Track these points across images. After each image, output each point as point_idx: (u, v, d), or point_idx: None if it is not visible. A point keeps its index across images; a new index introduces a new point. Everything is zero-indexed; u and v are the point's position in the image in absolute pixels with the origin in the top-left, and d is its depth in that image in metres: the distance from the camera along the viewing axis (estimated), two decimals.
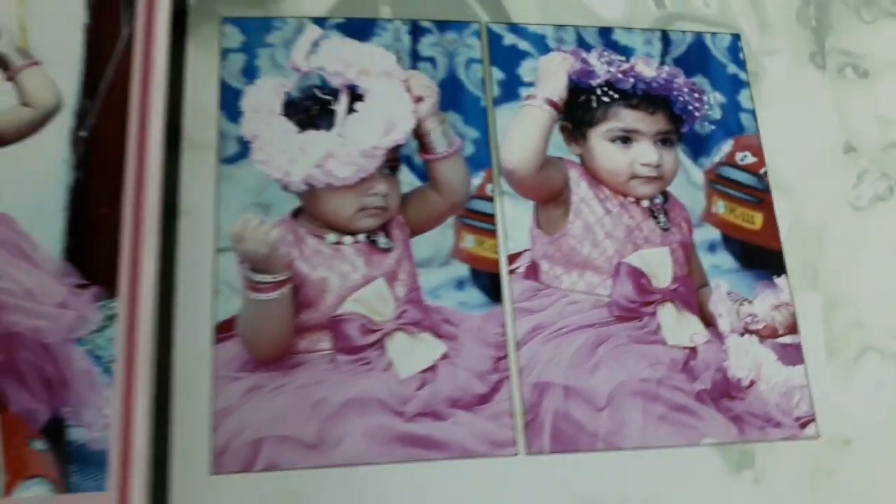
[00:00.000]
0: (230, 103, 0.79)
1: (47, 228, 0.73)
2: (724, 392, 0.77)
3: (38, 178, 0.75)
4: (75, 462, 0.67)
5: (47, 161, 0.75)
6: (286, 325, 0.73)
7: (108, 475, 0.66)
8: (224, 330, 0.73)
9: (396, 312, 0.75)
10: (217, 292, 0.74)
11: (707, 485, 0.75)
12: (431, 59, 0.84)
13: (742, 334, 0.79)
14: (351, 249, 0.76)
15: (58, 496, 0.67)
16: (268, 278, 0.72)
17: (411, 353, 0.74)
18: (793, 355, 0.80)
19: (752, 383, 0.78)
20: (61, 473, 0.67)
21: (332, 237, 0.76)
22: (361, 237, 0.77)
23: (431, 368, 0.74)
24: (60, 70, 0.77)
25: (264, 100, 0.77)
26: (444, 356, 0.74)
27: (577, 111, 0.82)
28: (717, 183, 0.85)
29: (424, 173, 0.79)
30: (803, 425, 0.78)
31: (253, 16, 0.83)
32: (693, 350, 0.78)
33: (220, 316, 0.74)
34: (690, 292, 0.81)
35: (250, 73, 0.81)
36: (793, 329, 0.81)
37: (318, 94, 0.77)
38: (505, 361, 0.75)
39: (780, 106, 0.89)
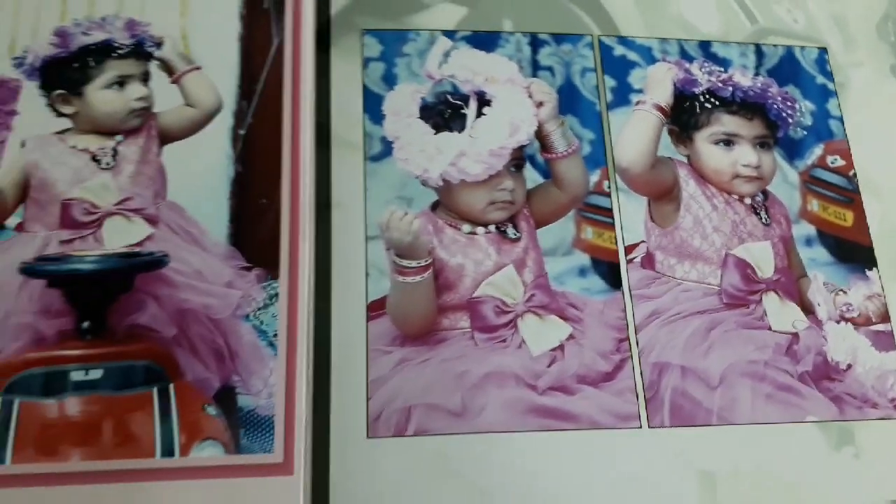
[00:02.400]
0: (373, 107, 0.79)
1: (213, 216, 0.73)
2: (825, 374, 0.76)
3: (204, 170, 0.75)
4: (245, 426, 0.67)
5: (211, 155, 0.75)
6: (430, 305, 0.73)
7: (274, 438, 0.66)
8: (375, 309, 0.73)
9: (526, 296, 0.74)
10: (368, 275, 0.74)
11: (811, 459, 0.73)
12: (550, 68, 0.83)
13: (839, 322, 0.78)
14: (483, 239, 0.76)
15: (229, 456, 0.66)
16: (412, 263, 0.72)
17: (541, 333, 0.73)
18: (886, 342, 0.78)
19: (849, 367, 0.76)
20: (232, 436, 0.67)
21: (466, 228, 0.76)
22: (492, 228, 0.76)
23: (560, 347, 0.73)
24: (219, 75, 0.78)
25: (403, 104, 0.77)
26: (571, 337, 0.74)
27: (683, 116, 0.82)
28: (811, 183, 0.84)
29: (547, 171, 0.79)
30: None
31: (390, 28, 0.83)
32: (795, 335, 0.77)
33: (371, 296, 0.73)
34: (791, 282, 0.79)
35: (389, 79, 0.81)
36: (885, 318, 0.79)
37: (450, 99, 0.77)
38: (626, 343, 0.75)
39: (865, 114, 0.88)
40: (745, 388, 0.74)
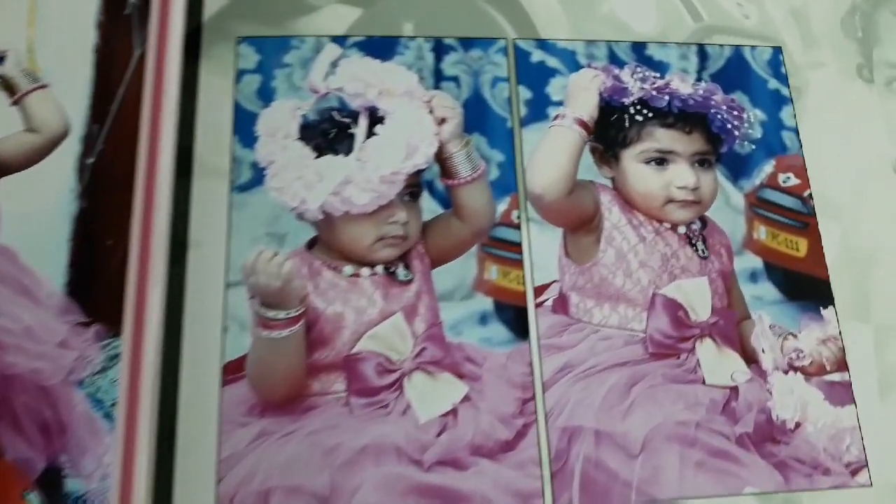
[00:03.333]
0: (244, 127, 0.69)
1: (50, 262, 0.62)
2: (768, 435, 0.66)
3: (42, 208, 0.64)
4: None
5: (52, 190, 0.65)
6: (298, 366, 0.63)
7: None
8: (232, 371, 0.64)
9: (415, 350, 0.65)
10: (226, 330, 0.64)
11: None
12: (455, 79, 0.73)
13: (787, 372, 0.68)
14: (368, 282, 0.66)
15: None
16: (280, 314, 0.62)
17: (431, 394, 0.64)
18: (842, 394, 0.68)
19: (797, 425, 0.66)
20: None
21: (348, 269, 0.66)
22: (379, 269, 0.66)
23: (452, 412, 0.64)
24: (69, 93, 0.67)
25: (280, 123, 0.67)
26: (466, 398, 0.64)
27: (609, 131, 0.71)
28: (759, 207, 0.74)
29: (447, 199, 0.69)
30: (854, 472, 0.66)
31: (269, 35, 0.72)
32: (734, 390, 0.67)
33: (228, 356, 0.64)
34: (731, 326, 0.69)
35: (266, 95, 0.71)
36: (842, 365, 0.69)
37: (337, 116, 0.67)
38: (531, 404, 0.65)
39: (825, 123, 0.76)
40: (673, 455, 0.64)
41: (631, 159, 0.71)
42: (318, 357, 0.64)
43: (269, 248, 0.63)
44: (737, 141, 0.72)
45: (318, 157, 0.65)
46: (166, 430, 0.61)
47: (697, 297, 0.69)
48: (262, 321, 0.62)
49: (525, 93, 0.73)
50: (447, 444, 0.62)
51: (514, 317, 0.67)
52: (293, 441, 0.61)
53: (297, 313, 0.62)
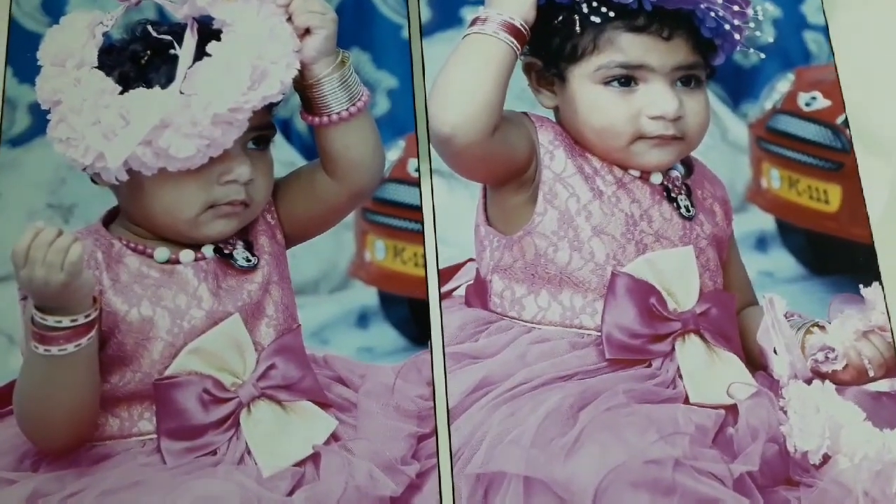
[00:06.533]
0: (22, 55, 0.65)
1: None
2: (782, 475, 0.58)
3: None
4: None
5: None
6: (88, 396, 0.56)
7: None
8: None
9: (259, 370, 0.58)
10: None
11: None
12: None
13: (810, 381, 0.61)
14: (191, 271, 0.59)
15: None
16: (64, 321, 0.55)
17: (281, 434, 0.57)
18: (892, 412, 0.60)
19: (826, 459, 0.58)
20: None
21: (162, 252, 0.58)
22: (208, 251, 0.59)
23: (312, 458, 0.56)
24: None
25: (72, 47, 0.60)
26: (334, 437, 0.57)
27: (552, 40, 0.63)
28: (770, 142, 0.69)
29: (311, 146, 0.63)
30: None
31: None
32: (732, 409, 0.59)
33: None
34: (728, 316, 0.62)
35: (54, 7, 0.66)
36: (892, 369, 0.62)
37: (153, 32, 0.60)
38: (430, 442, 0.58)
39: (867, 19, 0.71)
40: None
41: (584, 79, 0.62)
42: (116, 383, 0.57)
43: (51, 226, 0.55)
44: (738, 48, 0.65)
45: (123, 91, 0.58)
46: None
47: (679, 275, 0.62)
48: (37, 332, 0.54)
49: None
50: None
51: (408, 314, 0.63)
52: None
53: (87, 319, 0.55)
